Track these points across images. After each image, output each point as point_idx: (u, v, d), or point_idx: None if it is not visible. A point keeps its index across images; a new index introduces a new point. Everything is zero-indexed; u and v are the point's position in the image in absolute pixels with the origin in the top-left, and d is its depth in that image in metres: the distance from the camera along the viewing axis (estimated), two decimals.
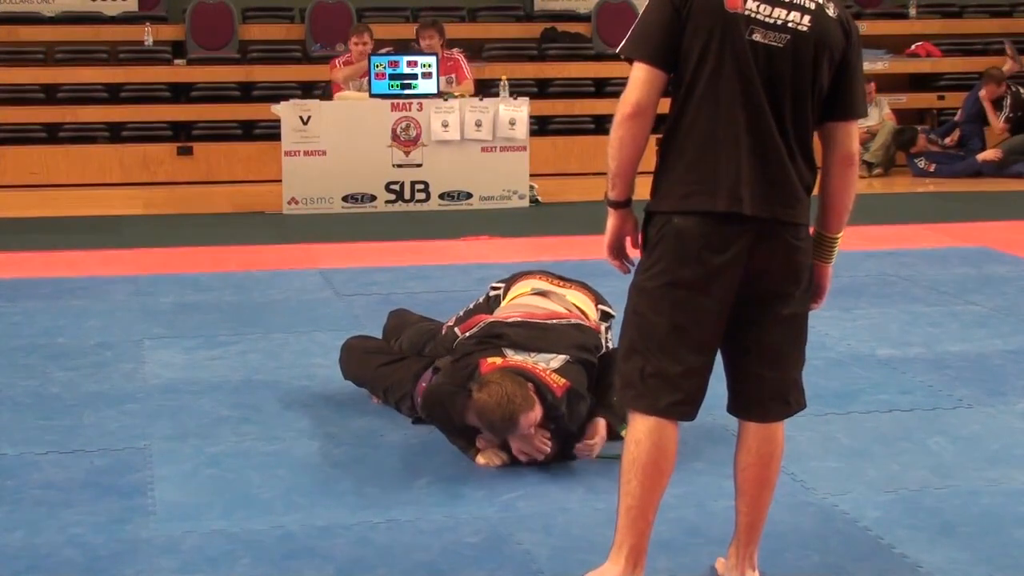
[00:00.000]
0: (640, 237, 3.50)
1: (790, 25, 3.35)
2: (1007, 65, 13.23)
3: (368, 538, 4.15)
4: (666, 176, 3.42)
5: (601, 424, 4.78)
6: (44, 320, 6.99)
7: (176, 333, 6.70)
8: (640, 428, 3.45)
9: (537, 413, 4.60)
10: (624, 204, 3.51)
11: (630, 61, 3.41)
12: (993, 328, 6.74)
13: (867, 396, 5.58)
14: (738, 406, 3.58)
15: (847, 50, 3.44)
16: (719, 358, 3.55)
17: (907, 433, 5.11)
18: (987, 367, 6.02)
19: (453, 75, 11.33)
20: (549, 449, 4.67)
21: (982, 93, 13.06)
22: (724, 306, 3.41)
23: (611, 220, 3.54)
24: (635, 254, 3.60)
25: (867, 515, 4.30)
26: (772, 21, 3.34)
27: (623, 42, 3.45)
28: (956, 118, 13.38)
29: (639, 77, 3.38)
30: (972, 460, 4.81)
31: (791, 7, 3.36)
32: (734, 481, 3.64)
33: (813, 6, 3.37)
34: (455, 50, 11.58)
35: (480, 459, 4.76)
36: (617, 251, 3.57)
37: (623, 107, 3.38)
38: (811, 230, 3.57)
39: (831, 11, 3.40)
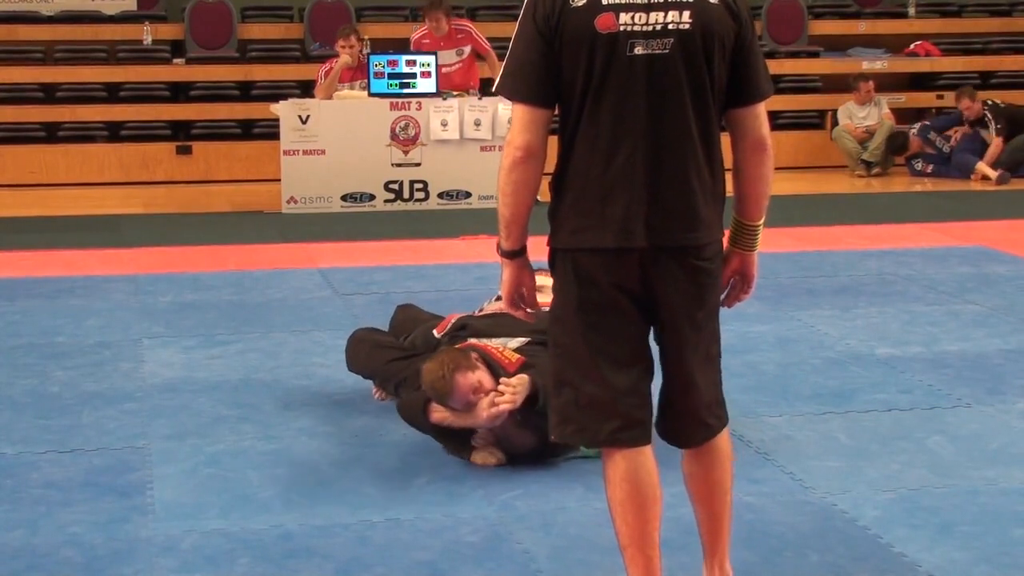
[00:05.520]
0: (547, 264, 3.40)
1: (671, 27, 3.15)
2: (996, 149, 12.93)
3: (367, 537, 4.15)
4: (559, 212, 3.30)
5: (521, 375, 4.65)
6: (43, 319, 6.99)
7: (175, 332, 6.70)
8: (608, 466, 3.33)
9: (480, 376, 4.61)
10: (520, 253, 3.40)
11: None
12: (992, 327, 6.74)
13: (866, 395, 5.58)
14: (660, 432, 3.44)
15: (739, 32, 3.23)
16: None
17: (906, 432, 5.11)
18: (986, 366, 6.02)
19: (466, 47, 11.28)
20: (508, 403, 4.57)
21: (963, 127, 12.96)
22: (637, 323, 3.28)
23: (507, 272, 3.40)
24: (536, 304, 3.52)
25: (866, 514, 4.30)
26: (651, 28, 3.15)
27: (499, 78, 3.28)
28: (953, 139, 13.14)
29: (524, 119, 3.21)
30: (971, 459, 4.81)
31: (667, 7, 3.16)
32: (686, 491, 3.53)
33: None
34: (461, 20, 11.53)
35: (476, 458, 4.76)
36: (517, 303, 3.45)
37: (512, 151, 3.22)
38: (725, 234, 3.41)
39: None
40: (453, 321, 5.18)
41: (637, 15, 3.16)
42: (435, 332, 5.25)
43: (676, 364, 3.34)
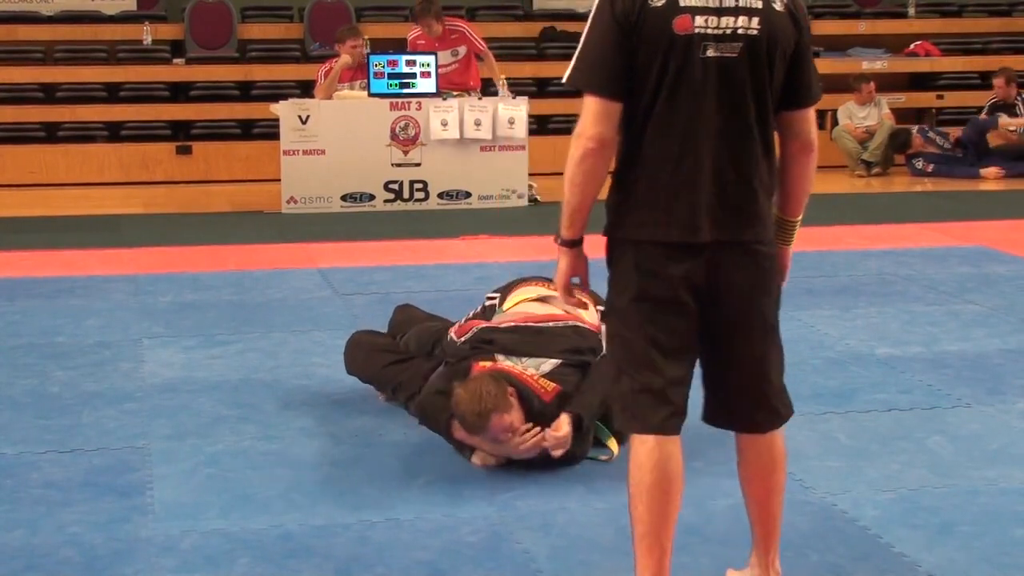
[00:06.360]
0: (605, 258, 3.43)
1: (740, 32, 3.27)
2: (1020, 121, 13.00)
3: (367, 537, 4.15)
4: (624, 204, 3.35)
5: (564, 420, 4.64)
6: (43, 319, 6.99)
7: (175, 332, 6.70)
8: (640, 451, 3.38)
9: (513, 418, 4.57)
10: (579, 243, 3.44)
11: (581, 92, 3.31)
12: (992, 327, 6.74)
13: (866, 395, 5.58)
14: (724, 420, 3.53)
15: (799, 39, 3.37)
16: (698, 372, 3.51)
17: (906, 432, 5.11)
18: (986, 366, 6.02)
19: (461, 47, 11.26)
20: (560, 450, 4.61)
21: (984, 115, 12.99)
22: (691, 318, 3.34)
23: (564, 260, 3.45)
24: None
25: (866, 514, 4.30)
26: (723, 32, 3.26)
27: (571, 69, 3.32)
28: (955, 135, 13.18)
29: (597, 111, 3.27)
30: (971, 459, 4.81)
31: (739, 12, 3.26)
32: (742, 492, 3.61)
33: (760, 5, 3.28)
34: (455, 19, 11.50)
35: (475, 459, 4.75)
36: (571, 290, 3.51)
37: (584, 142, 3.27)
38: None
39: (778, 5, 3.31)
40: (475, 330, 5.05)
41: (710, 18, 3.26)
42: (452, 334, 5.18)
43: (746, 349, 3.42)
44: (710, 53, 3.26)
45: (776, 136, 3.44)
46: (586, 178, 3.32)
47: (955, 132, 13.06)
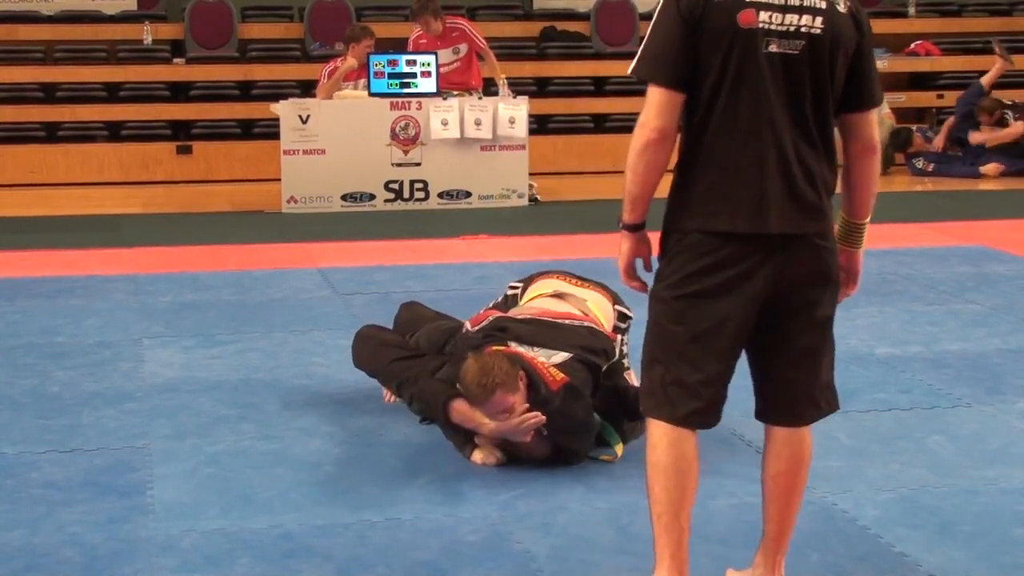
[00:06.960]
0: (658, 247, 3.46)
1: (803, 30, 3.32)
2: (997, 64, 13.08)
3: (367, 537, 4.15)
4: (686, 196, 3.38)
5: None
6: (43, 319, 6.99)
7: (175, 332, 6.70)
8: (656, 433, 3.42)
9: (516, 400, 4.58)
10: (642, 227, 3.48)
11: (644, 82, 3.37)
12: (992, 327, 6.74)
13: (866, 395, 5.58)
14: (769, 411, 3.56)
15: (860, 42, 3.42)
16: (744, 363, 3.53)
17: (906, 432, 5.11)
18: (986, 366, 6.02)
19: (462, 44, 11.25)
20: (528, 437, 4.61)
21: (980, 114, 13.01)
22: (746, 314, 3.37)
23: (626, 243, 3.49)
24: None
25: (866, 514, 4.30)
26: (786, 29, 3.31)
27: (636, 61, 3.38)
28: (948, 122, 13.24)
29: (660, 101, 3.32)
30: (971, 459, 4.81)
31: (803, 11, 3.32)
32: (762, 488, 3.60)
33: (824, 5, 3.34)
34: (456, 17, 11.49)
35: (476, 457, 4.75)
36: (632, 273, 3.54)
37: (646, 132, 3.32)
38: (834, 227, 3.55)
39: (841, 7, 3.37)
40: (490, 319, 5.08)
41: (774, 15, 3.31)
42: (468, 325, 5.18)
43: (799, 341, 3.45)
44: (773, 48, 3.30)
45: (838, 138, 3.48)
46: (647, 167, 3.36)
47: (940, 140, 13.06)
